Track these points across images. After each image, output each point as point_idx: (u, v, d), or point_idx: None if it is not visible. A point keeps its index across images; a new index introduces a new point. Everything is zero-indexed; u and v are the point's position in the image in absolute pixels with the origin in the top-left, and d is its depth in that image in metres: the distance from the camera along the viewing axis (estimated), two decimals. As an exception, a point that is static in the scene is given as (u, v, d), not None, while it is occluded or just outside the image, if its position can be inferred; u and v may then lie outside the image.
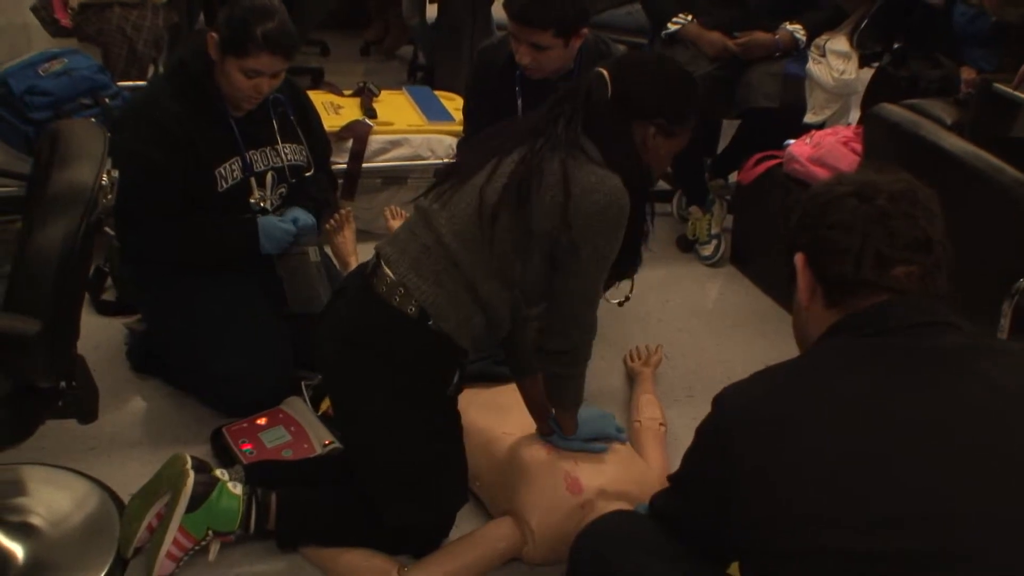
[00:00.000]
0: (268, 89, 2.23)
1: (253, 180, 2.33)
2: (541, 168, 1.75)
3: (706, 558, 1.41)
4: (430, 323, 1.79)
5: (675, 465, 1.48)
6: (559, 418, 2.07)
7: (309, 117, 2.52)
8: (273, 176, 2.36)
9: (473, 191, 1.79)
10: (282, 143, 2.37)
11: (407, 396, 1.86)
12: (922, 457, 1.14)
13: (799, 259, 1.32)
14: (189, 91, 2.22)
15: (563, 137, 1.77)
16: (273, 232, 2.34)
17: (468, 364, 2.34)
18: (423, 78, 4.70)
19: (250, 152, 2.31)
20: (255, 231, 2.32)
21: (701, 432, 1.34)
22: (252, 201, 2.34)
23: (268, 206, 2.38)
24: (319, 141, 2.57)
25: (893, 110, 2.53)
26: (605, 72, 1.82)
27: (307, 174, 2.45)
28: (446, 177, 1.88)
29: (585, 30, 2.45)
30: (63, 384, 1.73)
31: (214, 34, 2.14)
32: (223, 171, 2.27)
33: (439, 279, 1.79)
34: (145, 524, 1.91)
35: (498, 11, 4.25)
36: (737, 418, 1.26)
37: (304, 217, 2.43)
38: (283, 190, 2.39)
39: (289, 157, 2.39)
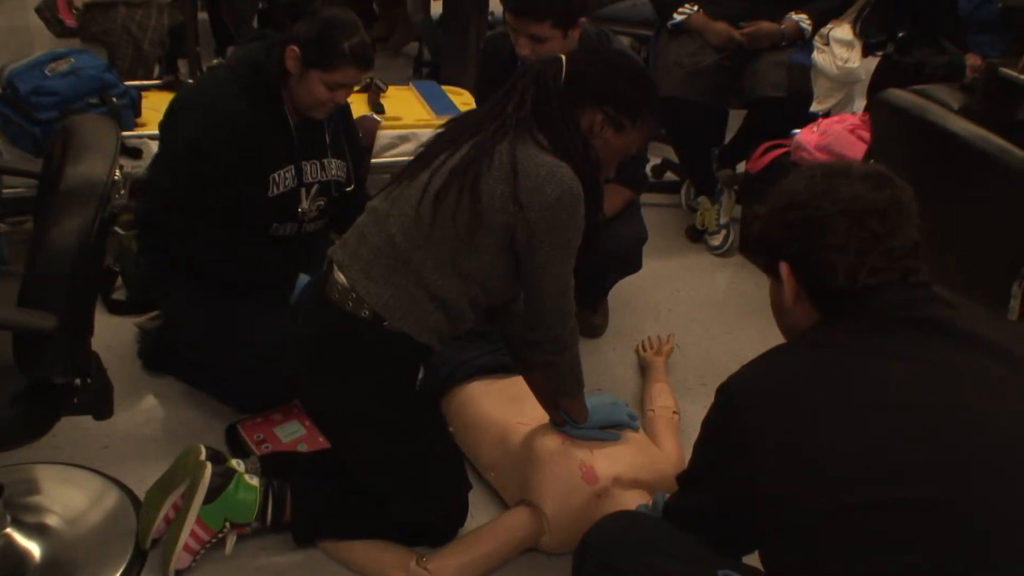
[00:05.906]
0: (343, 99, 2.27)
1: (303, 190, 2.32)
2: (492, 151, 1.73)
3: (723, 552, 1.41)
4: (385, 323, 1.79)
5: (688, 453, 1.47)
6: (567, 406, 2.06)
7: (352, 132, 2.52)
8: (317, 188, 2.35)
9: (420, 184, 1.78)
10: (330, 157, 2.37)
11: (377, 397, 1.86)
12: (932, 412, 1.20)
13: (785, 268, 1.35)
14: (257, 94, 2.21)
15: (513, 118, 1.76)
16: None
17: (479, 357, 2.38)
18: (429, 74, 4.71)
19: (303, 162, 2.31)
20: (291, 276, 2.30)
21: (711, 422, 1.35)
22: (300, 210, 2.34)
23: (306, 216, 2.37)
24: (359, 155, 2.55)
25: (900, 95, 2.52)
26: (563, 57, 1.82)
27: (347, 189, 2.43)
28: (399, 176, 1.87)
29: (583, 20, 2.45)
30: (79, 381, 1.73)
31: (295, 48, 2.15)
32: (276, 177, 2.26)
33: (391, 280, 1.78)
34: (162, 515, 1.92)
35: (495, 5, 4.27)
36: (746, 398, 1.29)
37: None
38: (322, 203, 2.38)
39: (334, 172, 2.38)
